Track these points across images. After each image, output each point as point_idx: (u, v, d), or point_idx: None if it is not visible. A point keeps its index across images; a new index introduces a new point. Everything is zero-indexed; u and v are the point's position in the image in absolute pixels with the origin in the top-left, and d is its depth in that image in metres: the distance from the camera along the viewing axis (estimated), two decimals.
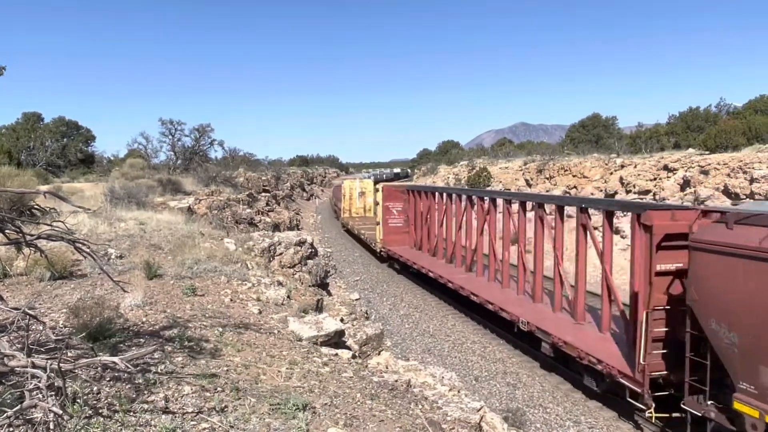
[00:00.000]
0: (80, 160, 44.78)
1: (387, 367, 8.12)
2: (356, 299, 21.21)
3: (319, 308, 11.80)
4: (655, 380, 11.19)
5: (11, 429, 3.39)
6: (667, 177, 26.23)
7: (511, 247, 20.57)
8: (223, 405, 4.43)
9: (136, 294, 7.37)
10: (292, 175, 79.42)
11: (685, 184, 24.56)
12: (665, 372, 11.04)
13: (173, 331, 6.34)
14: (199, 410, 4.29)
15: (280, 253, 15.04)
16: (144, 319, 6.75)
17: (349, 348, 9.92)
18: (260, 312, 8.42)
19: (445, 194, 26.25)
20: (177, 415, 4.16)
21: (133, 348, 5.42)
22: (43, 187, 10.52)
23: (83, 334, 5.38)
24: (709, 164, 23.75)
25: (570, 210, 17.98)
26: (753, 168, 21.52)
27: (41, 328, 4.82)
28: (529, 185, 37.55)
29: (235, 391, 4.77)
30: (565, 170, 34.27)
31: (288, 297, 10.29)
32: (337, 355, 7.33)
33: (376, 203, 32.61)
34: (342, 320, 12.35)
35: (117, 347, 5.45)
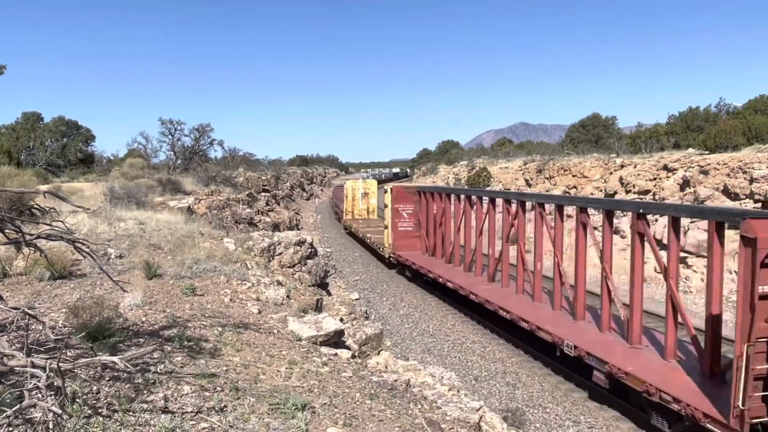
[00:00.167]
0: (80, 160, 44.81)
1: (386, 367, 8.13)
2: (356, 299, 21.20)
3: (318, 308, 11.80)
4: (754, 427, 9.41)
5: (11, 428, 3.39)
6: (667, 177, 26.23)
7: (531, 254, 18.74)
8: (222, 405, 4.43)
9: (136, 294, 7.37)
10: (291, 175, 79.41)
11: (685, 184, 24.57)
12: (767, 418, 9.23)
13: (173, 330, 6.34)
14: (199, 410, 4.30)
15: (280, 253, 15.03)
16: (143, 319, 6.75)
17: (348, 348, 9.93)
18: (260, 312, 8.42)
19: (462, 196, 23.95)
20: (176, 414, 4.16)
21: (133, 348, 5.42)
22: (43, 187, 10.52)
23: (83, 333, 5.38)
24: (709, 164, 23.75)
25: (617, 215, 15.86)
26: (753, 168, 21.52)
27: (41, 327, 4.83)
28: (529, 185, 37.55)
29: (235, 390, 4.77)
30: (565, 170, 34.27)
31: (287, 297, 10.30)
32: (336, 354, 7.33)
33: (385, 205, 30.31)
34: (341, 320, 12.35)
35: (116, 347, 5.46)
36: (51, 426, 3.30)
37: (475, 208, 22.81)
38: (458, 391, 7.44)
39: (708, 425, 9.68)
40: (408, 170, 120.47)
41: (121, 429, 3.78)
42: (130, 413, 4.01)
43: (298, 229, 33.92)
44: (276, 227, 29.33)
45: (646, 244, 13.17)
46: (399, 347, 17.78)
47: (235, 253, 12.69)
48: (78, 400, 3.92)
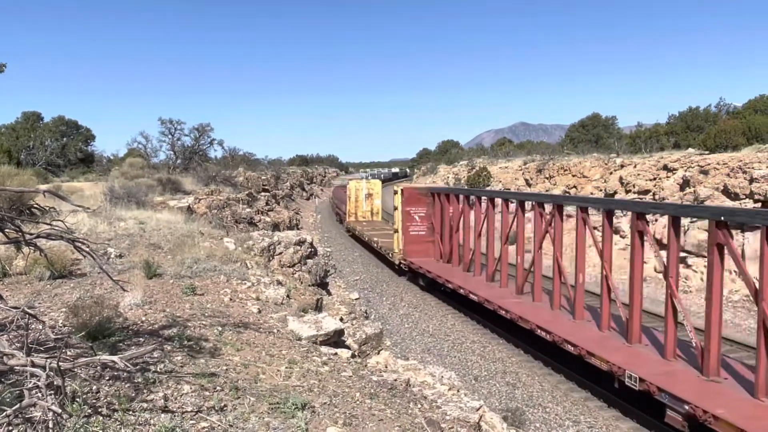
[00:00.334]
0: (80, 160, 44.83)
1: (386, 367, 8.12)
2: (356, 299, 21.20)
3: (318, 307, 11.80)
4: None
5: (10, 428, 3.39)
6: (667, 177, 26.26)
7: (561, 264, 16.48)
8: (222, 404, 4.43)
9: (136, 293, 7.36)
10: (291, 175, 79.45)
11: (685, 183, 24.59)
12: None
13: (172, 330, 6.34)
14: (199, 409, 4.30)
15: (280, 253, 15.03)
16: (143, 319, 6.75)
17: (348, 347, 9.92)
18: (260, 311, 8.42)
19: (484, 198, 21.99)
20: (176, 414, 4.16)
21: (133, 347, 5.42)
22: (43, 187, 10.52)
23: (82, 333, 5.38)
24: (709, 164, 23.77)
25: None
26: (753, 168, 21.54)
27: (40, 327, 4.82)
28: (529, 185, 37.61)
29: (235, 390, 4.77)
30: (565, 170, 34.31)
31: (287, 296, 10.29)
32: (336, 354, 7.33)
33: (395, 208, 28.53)
34: (341, 319, 12.35)
35: (116, 346, 5.46)
36: (51, 425, 3.30)
37: (501, 211, 20.20)
38: (458, 391, 7.43)
39: None
40: (407, 170, 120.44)
41: (121, 428, 3.78)
42: (130, 412, 4.01)
43: (298, 229, 33.93)
44: (276, 227, 29.32)
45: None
46: (399, 347, 17.78)
47: (235, 253, 12.69)
48: (78, 399, 3.92)
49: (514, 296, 18.57)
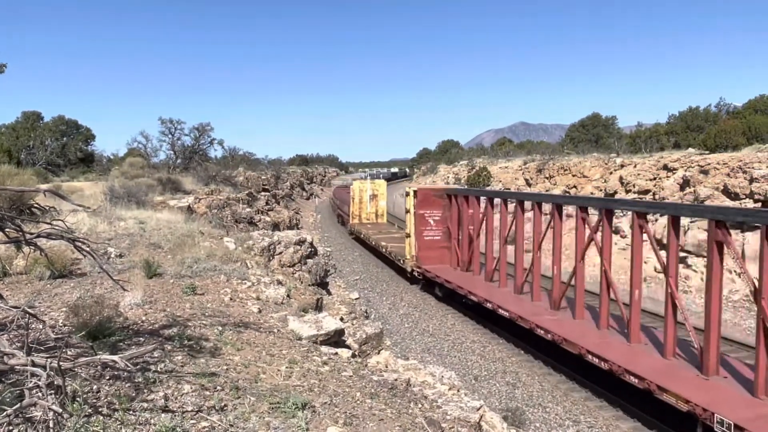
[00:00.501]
0: (80, 159, 44.81)
1: (386, 366, 8.12)
2: (356, 298, 21.22)
3: (318, 307, 11.80)
4: None
5: (11, 427, 3.39)
6: (667, 177, 26.25)
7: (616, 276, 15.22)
8: (222, 404, 4.43)
9: (136, 293, 7.36)
10: (291, 175, 79.50)
11: (685, 183, 24.58)
12: None
13: (173, 329, 6.34)
14: (199, 409, 4.29)
15: (280, 252, 15.03)
16: (144, 318, 6.75)
17: (348, 347, 9.92)
18: (260, 311, 8.42)
19: (511, 201, 19.95)
20: (177, 413, 4.16)
21: (133, 347, 5.42)
22: (43, 186, 10.52)
23: (83, 332, 5.38)
24: (709, 164, 23.77)
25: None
26: (753, 168, 21.53)
27: (41, 326, 4.83)
28: (529, 185, 37.61)
29: (235, 389, 4.77)
30: (565, 170, 34.31)
31: (288, 296, 10.29)
32: (336, 354, 7.33)
33: (407, 210, 26.71)
34: (342, 319, 12.35)
35: (117, 346, 5.45)
36: (51, 425, 3.30)
37: (533, 216, 18.25)
38: (458, 391, 7.43)
39: None
40: (407, 170, 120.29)
41: (121, 428, 3.78)
42: (131, 412, 4.01)
43: (298, 229, 33.92)
44: (276, 226, 29.32)
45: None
46: (399, 346, 17.79)
47: (235, 253, 12.69)
48: (78, 399, 3.91)
49: (549, 312, 16.90)
